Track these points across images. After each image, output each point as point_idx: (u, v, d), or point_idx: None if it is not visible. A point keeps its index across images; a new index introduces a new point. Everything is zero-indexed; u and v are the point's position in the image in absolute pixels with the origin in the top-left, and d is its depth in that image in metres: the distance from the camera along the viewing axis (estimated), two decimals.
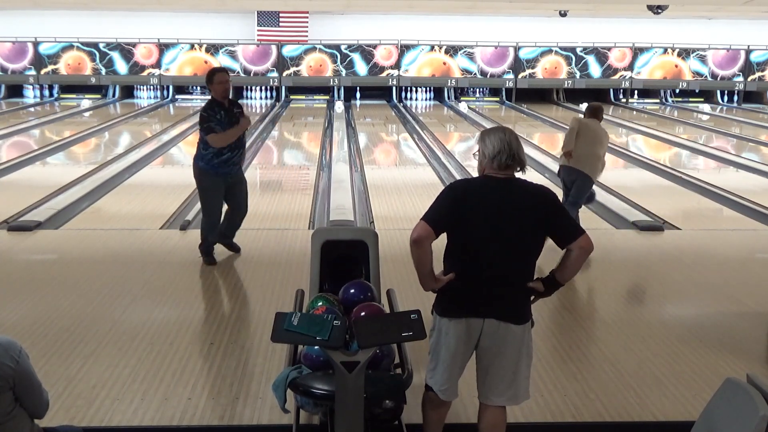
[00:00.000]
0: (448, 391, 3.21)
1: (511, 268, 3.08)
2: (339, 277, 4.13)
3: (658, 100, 22.54)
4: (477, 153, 3.16)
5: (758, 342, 4.85)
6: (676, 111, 21.09)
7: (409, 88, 21.74)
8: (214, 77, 5.83)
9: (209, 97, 5.98)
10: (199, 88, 21.32)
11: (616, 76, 21.80)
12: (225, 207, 6.31)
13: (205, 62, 20.72)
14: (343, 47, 21.10)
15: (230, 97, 6.02)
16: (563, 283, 3.18)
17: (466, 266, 3.08)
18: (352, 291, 3.75)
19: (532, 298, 3.19)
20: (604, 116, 7.20)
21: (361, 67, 21.24)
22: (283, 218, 8.06)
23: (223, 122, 5.86)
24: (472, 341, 3.12)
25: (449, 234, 3.10)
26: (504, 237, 3.03)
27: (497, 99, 22.11)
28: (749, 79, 21.96)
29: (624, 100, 22.28)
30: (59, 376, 4.11)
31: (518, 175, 3.15)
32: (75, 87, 21.11)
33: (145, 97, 21.33)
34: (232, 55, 20.89)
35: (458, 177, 9.68)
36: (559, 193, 7.07)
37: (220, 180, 5.96)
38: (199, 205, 8.31)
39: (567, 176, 6.94)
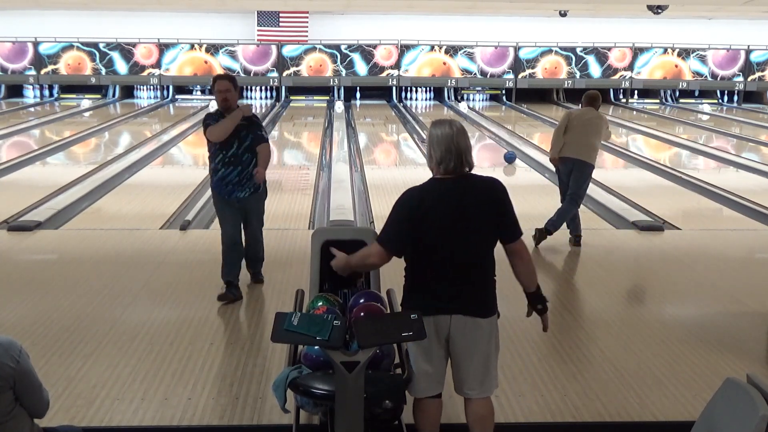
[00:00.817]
0: (413, 389, 3.20)
1: (475, 264, 3.12)
2: (339, 277, 4.12)
3: (658, 100, 22.54)
4: (425, 144, 3.17)
5: (758, 342, 4.84)
6: (676, 111, 21.09)
7: (409, 88, 21.75)
8: (215, 84, 5.26)
9: (209, 97, 5.75)
10: (198, 87, 21.34)
11: (616, 76, 21.80)
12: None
13: (205, 62, 20.74)
14: (343, 47, 21.10)
15: (233, 107, 5.29)
16: (533, 288, 3.24)
17: (430, 266, 3.12)
18: (362, 300, 3.70)
19: (544, 319, 3.27)
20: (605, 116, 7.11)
21: (361, 67, 21.24)
22: (283, 218, 8.05)
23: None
24: (441, 337, 3.14)
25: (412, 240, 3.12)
26: (465, 234, 3.07)
27: (498, 92, 22.09)
28: (749, 79, 21.97)
29: (624, 100, 22.28)
30: (59, 376, 4.11)
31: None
32: (75, 87, 21.10)
33: (145, 97, 21.33)
34: (232, 55, 20.88)
35: None
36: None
37: (225, 203, 5.43)
38: (198, 205, 8.40)
39: (563, 167, 6.86)
